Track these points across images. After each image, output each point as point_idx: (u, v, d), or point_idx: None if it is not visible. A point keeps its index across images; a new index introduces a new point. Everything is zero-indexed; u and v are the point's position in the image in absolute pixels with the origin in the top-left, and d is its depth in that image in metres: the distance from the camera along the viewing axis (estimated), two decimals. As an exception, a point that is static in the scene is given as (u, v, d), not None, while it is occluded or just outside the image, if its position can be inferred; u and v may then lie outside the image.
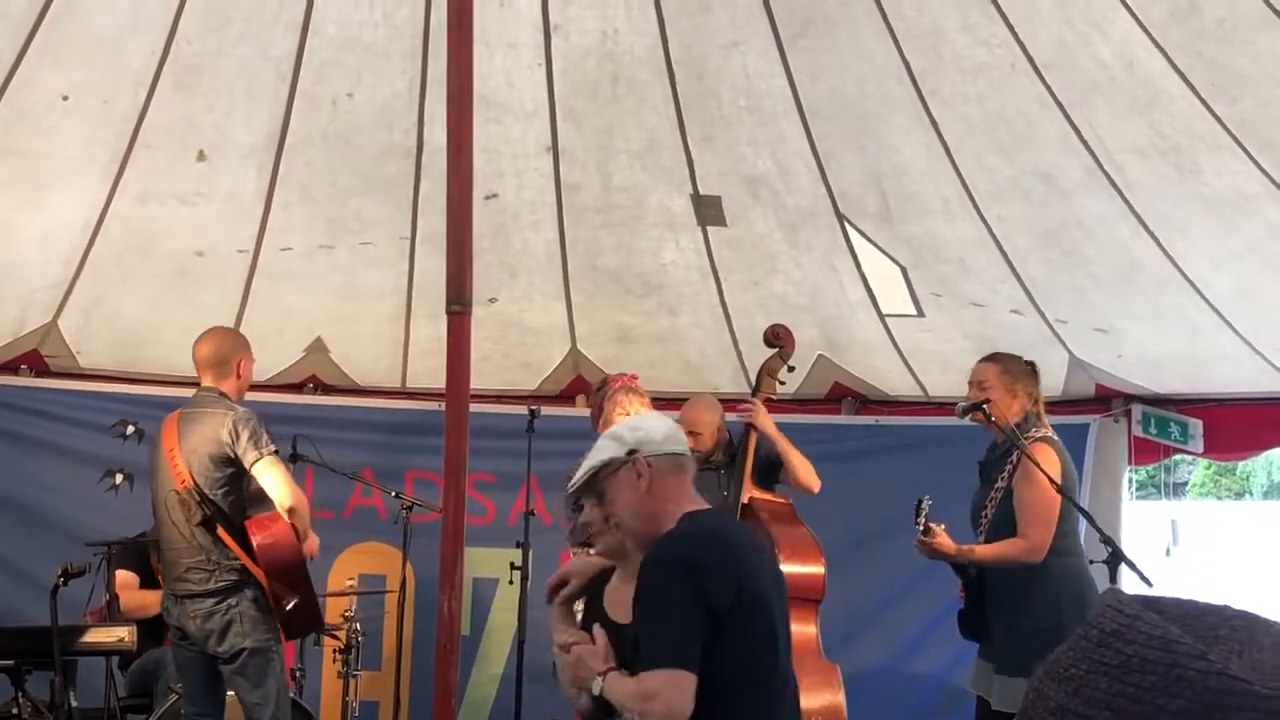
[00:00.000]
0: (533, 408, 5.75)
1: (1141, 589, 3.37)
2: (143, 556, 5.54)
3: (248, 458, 4.51)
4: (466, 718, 6.36)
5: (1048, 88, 4.89)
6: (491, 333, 6.26)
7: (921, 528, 4.31)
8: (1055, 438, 4.37)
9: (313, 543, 4.70)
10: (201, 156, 5.58)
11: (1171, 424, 6.31)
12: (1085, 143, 5.02)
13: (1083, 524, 4.44)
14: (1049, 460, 4.21)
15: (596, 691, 2.62)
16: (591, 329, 6.56)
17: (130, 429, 5.60)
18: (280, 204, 5.82)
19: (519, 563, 5.54)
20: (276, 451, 4.59)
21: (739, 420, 5.01)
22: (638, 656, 2.56)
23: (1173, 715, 0.70)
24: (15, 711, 4.53)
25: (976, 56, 4.93)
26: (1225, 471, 32.24)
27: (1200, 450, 6.42)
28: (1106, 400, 6.42)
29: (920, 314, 6.13)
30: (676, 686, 2.46)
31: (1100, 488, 6.26)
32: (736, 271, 6.16)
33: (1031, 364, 4.56)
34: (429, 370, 6.16)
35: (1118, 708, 0.72)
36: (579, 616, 3.05)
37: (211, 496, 4.57)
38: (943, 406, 5.94)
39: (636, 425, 2.86)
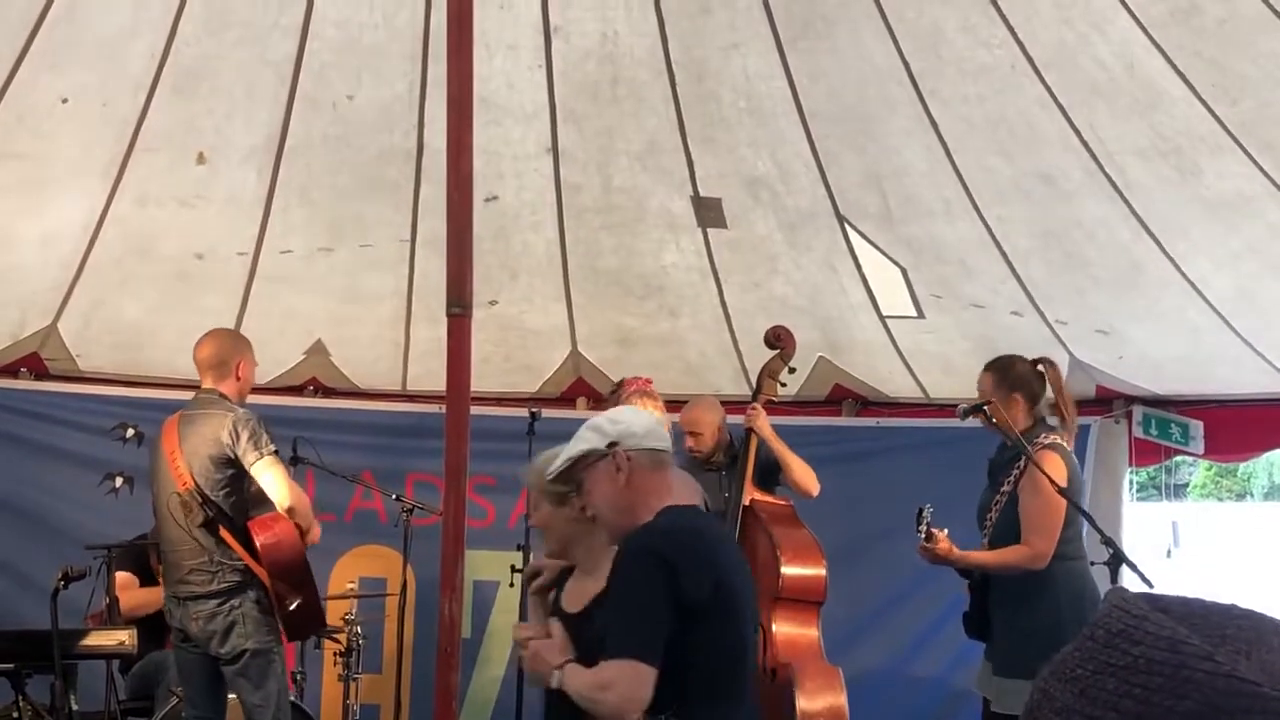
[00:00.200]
0: (533, 410, 5.76)
1: (1143, 590, 3.36)
2: (142, 558, 5.53)
3: (247, 458, 4.51)
4: (467, 720, 6.36)
5: (1048, 89, 4.89)
6: (492, 335, 6.25)
7: (924, 535, 4.29)
8: (1063, 444, 4.30)
9: (315, 531, 4.69)
10: (201, 159, 5.57)
11: (1172, 425, 6.30)
12: (1086, 144, 5.01)
13: (1085, 526, 4.42)
14: (1056, 468, 4.16)
15: (555, 684, 2.63)
16: (592, 331, 6.55)
17: (130, 432, 5.60)
18: (280, 206, 5.81)
19: (520, 565, 5.53)
20: (276, 452, 4.59)
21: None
22: (602, 646, 2.56)
23: (1180, 716, 0.70)
24: (15, 715, 4.53)
25: (977, 57, 4.93)
26: (1226, 473, 32.19)
27: (1201, 451, 6.42)
28: (1107, 401, 6.41)
29: (921, 315, 6.12)
30: (634, 677, 2.45)
31: (1101, 489, 6.24)
32: (737, 273, 6.16)
33: (1037, 363, 4.50)
34: (429, 373, 6.16)
35: (1124, 709, 0.72)
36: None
37: (213, 498, 4.57)
38: (943, 408, 5.94)
39: (618, 418, 2.83)
